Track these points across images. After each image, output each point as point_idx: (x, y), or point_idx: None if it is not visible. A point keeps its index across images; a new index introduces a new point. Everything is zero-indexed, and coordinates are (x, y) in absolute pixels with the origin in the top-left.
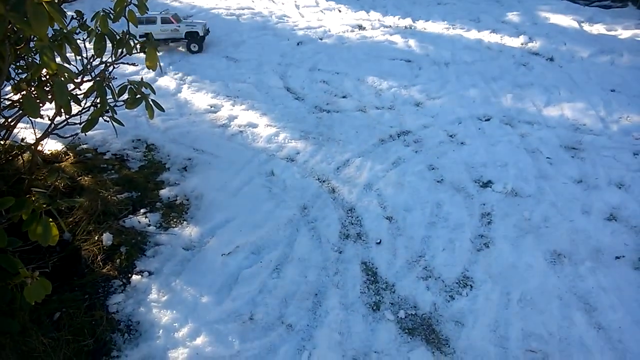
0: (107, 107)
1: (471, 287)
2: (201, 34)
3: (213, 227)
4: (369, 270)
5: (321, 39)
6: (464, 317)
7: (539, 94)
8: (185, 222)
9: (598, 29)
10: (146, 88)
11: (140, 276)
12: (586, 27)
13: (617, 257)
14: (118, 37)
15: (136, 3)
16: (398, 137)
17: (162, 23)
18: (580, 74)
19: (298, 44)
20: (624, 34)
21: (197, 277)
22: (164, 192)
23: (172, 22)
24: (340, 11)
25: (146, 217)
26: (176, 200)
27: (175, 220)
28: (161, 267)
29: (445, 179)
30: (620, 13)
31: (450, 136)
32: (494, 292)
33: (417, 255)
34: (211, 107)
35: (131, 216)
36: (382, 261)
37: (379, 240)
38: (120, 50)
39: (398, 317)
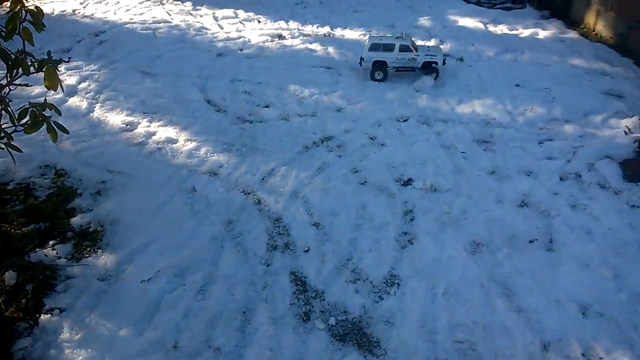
0: (2, 133)
1: (398, 285)
2: (441, 64)
3: (131, 252)
4: (298, 280)
5: (241, 50)
6: (393, 316)
7: (452, 93)
8: (100, 250)
9: (502, 29)
10: (50, 110)
11: (49, 315)
12: (491, 28)
13: (530, 241)
14: (13, 57)
15: (31, 20)
16: (321, 143)
17: (399, 51)
18: (487, 72)
19: (218, 55)
20: (524, 32)
21: (114, 308)
22: (76, 220)
23: (411, 51)
24: (259, 21)
25: (54, 249)
26: (89, 227)
27: (88, 249)
28: (73, 302)
29: (369, 180)
30: (520, 14)
31: (371, 139)
32: (420, 288)
33: (345, 259)
34: (126, 125)
35: (38, 250)
36: (311, 269)
37: (306, 248)
38: (15, 71)
39: (329, 324)
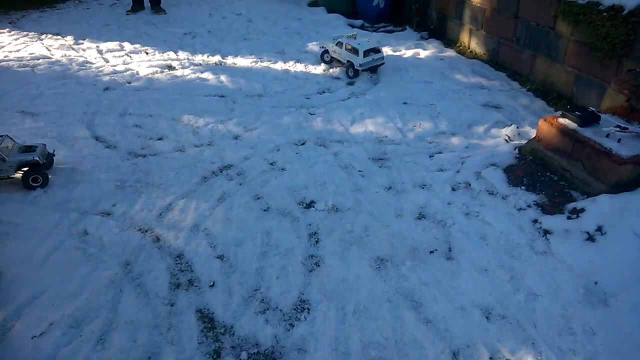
0: None
1: (308, 310)
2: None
3: (18, 307)
4: (205, 317)
5: (129, 83)
6: (305, 343)
7: (344, 114)
8: None
9: (386, 51)
10: None
11: None
12: None
13: (431, 252)
14: None
15: None
16: (220, 172)
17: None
18: (376, 92)
19: (105, 89)
20: (407, 53)
21: None
22: None
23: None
24: (147, 53)
25: None
26: None
27: None
28: None
29: (272, 206)
30: (402, 36)
31: (271, 164)
32: (330, 310)
33: (252, 289)
34: None
35: None
36: (218, 304)
37: (212, 283)
38: None
39: (240, 359)
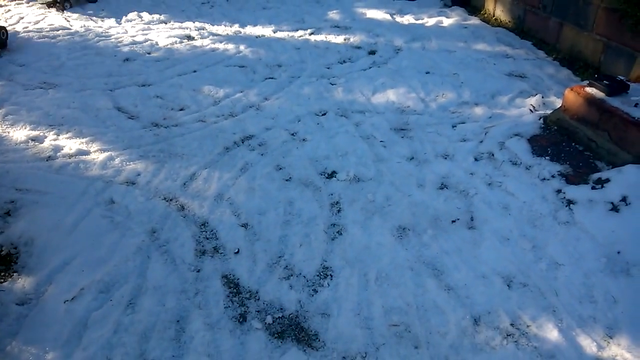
0: None
1: (331, 276)
2: None
3: (50, 272)
4: (230, 283)
5: (149, 53)
6: (328, 308)
7: (366, 84)
8: (15, 273)
9: (408, 19)
10: None
11: None
12: (398, 18)
13: (452, 221)
14: None
15: None
16: (242, 142)
17: None
18: (397, 61)
19: (125, 60)
20: (429, 21)
21: (38, 332)
22: None
23: None
24: (166, 23)
25: None
26: (1, 251)
27: (2, 274)
28: None
29: (293, 176)
30: (424, 3)
31: (292, 134)
32: (353, 276)
33: (276, 256)
34: (31, 140)
35: None
36: (243, 270)
37: (236, 250)
38: None
39: (266, 323)
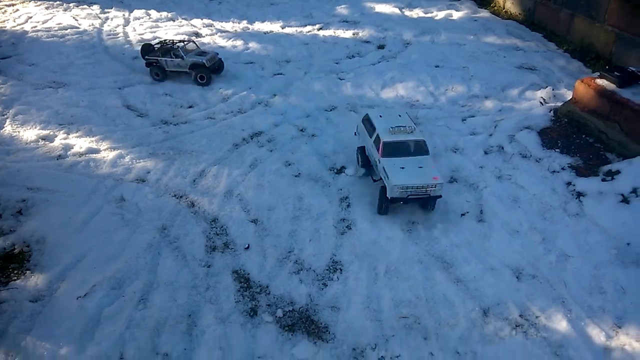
0: None
1: (341, 270)
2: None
3: (62, 270)
4: (241, 278)
5: None
6: (338, 301)
7: (375, 79)
8: (28, 271)
9: (417, 13)
10: None
11: None
12: (407, 12)
13: (462, 214)
14: None
15: None
16: (251, 139)
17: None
18: (407, 55)
19: (133, 59)
20: (439, 15)
21: (51, 328)
22: None
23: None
24: (174, 20)
25: None
26: (14, 249)
27: (16, 272)
28: (5, 327)
29: (302, 172)
30: None
31: (301, 130)
32: (362, 270)
33: (286, 251)
34: (42, 139)
35: None
36: (253, 265)
37: (247, 245)
38: None
39: (276, 317)
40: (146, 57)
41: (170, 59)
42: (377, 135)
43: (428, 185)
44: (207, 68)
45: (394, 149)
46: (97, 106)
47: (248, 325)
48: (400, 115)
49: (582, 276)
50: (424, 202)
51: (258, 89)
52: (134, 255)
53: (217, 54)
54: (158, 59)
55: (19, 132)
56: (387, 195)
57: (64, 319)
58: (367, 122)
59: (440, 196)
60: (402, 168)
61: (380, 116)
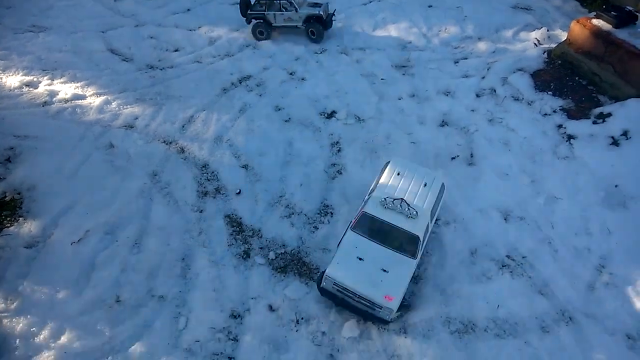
0: None
1: (331, 214)
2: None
3: (55, 216)
4: (233, 222)
5: None
6: (329, 243)
7: (366, 20)
8: (21, 218)
9: None
10: None
11: None
12: None
13: (452, 158)
14: None
15: None
16: (240, 83)
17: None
18: None
19: (116, 0)
20: None
21: (48, 273)
22: None
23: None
24: None
25: None
26: (5, 197)
27: (8, 219)
28: (2, 273)
29: (293, 117)
30: None
31: (291, 74)
32: (352, 214)
33: (277, 196)
34: (25, 85)
35: None
36: (245, 209)
37: (238, 190)
38: None
39: (269, 259)
40: (248, 12)
41: (279, 13)
42: (366, 199)
43: (373, 301)
44: (323, 22)
45: (371, 228)
46: (81, 50)
47: (241, 267)
48: (425, 185)
49: (569, 218)
50: (362, 313)
51: (245, 30)
52: (126, 201)
53: (328, 3)
54: (265, 14)
55: (1, 78)
56: (318, 284)
57: (59, 264)
58: (381, 173)
59: (388, 322)
60: (359, 259)
61: (398, 173)
